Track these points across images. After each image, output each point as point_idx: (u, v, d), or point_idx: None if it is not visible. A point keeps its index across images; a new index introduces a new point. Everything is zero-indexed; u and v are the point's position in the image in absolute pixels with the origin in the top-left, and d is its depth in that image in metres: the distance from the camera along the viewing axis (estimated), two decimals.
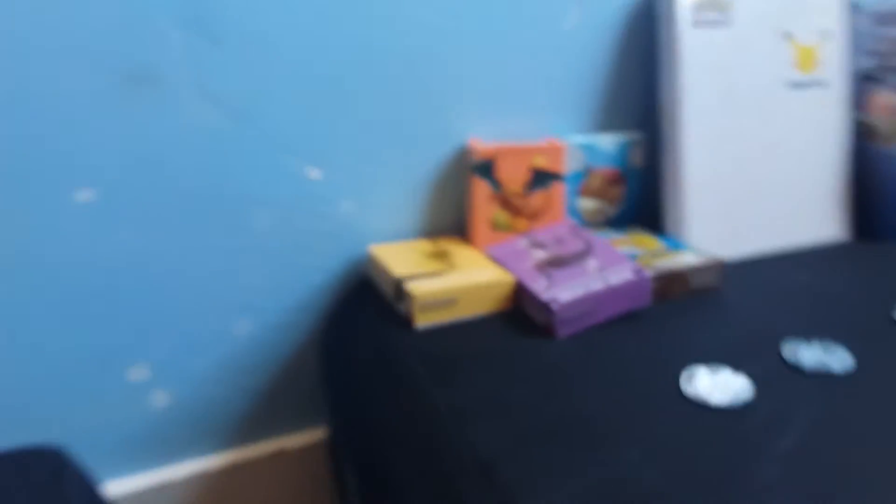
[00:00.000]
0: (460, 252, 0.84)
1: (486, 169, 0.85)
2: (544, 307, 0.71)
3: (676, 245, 0.84)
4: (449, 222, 0.92)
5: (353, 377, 0.74)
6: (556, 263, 0.77)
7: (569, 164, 0.91)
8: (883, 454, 0.51)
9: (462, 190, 0.91)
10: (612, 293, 0.72)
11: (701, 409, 0.57)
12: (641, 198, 0.95)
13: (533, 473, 0.51)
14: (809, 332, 0.68)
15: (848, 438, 0.53)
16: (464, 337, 0.71)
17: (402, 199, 0.89)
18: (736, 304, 0.76)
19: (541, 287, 0.73)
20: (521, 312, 0.75)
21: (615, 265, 0.75)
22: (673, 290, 0.77)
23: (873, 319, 0.71)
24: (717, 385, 0.60)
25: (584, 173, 0.92)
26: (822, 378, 0.61)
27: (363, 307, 0.83)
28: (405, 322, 0.74)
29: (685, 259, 0.79)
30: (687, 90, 0.86)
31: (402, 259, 0.82)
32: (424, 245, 0.87)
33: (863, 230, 0.95)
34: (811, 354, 0.64)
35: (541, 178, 0.87)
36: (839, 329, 0.69)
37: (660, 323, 0.72)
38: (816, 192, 0.94)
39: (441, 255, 0.83)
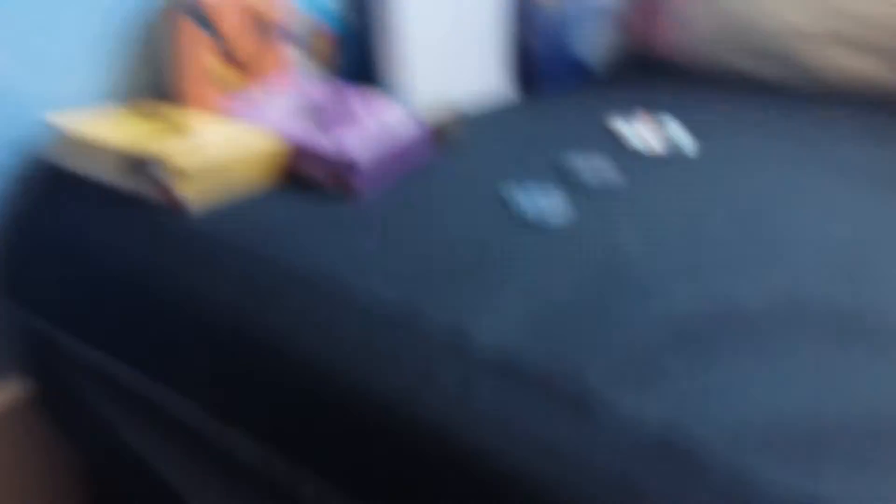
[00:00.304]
0: (187, 116, 0.67)
1: (201, 13, 0.68)
2: (343, 166, 0.62)
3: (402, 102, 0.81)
4: (145, 83, 0.72)
5: (125, 295, 0.55)
6: (328, 121, 0.68)
7: (293, 22, 0.79)
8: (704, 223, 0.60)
9: (163, 40, 0.71)
10: (404, 145, 0.68)
11: (540, 229, 0.58)
12: (355, 59, 0.88)
13: (454, 307, 0.47)
14: (569, 153, 0.74)
15: (668, 219, 0.61)
16: (259, 212, 0.59)
17: (82, 53, 0.66)
18: (486, 147, 0.78)
19: (331, 146, 0.63)
20: (297, 179, 0.64)
21: (393, 118, 0.70)
22: (435, 141, 0.75)
23: (597, 138, 0.80)
24: (539, 204, 0.61)
25: (308, 34, 0.81)
26: (608, 186, 0.67)
27: (70, 204, 0.61)
28: (159, 210, 0.57)
29: (433, 113, 0.77)
30: None
31: (114, 129, 0.62)
32: (128, 112, 0.67)
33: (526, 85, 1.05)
34: (589, 167, 0.70)
35: (267, 30, 0.74)
36: (586, 149, 0.76)
37: (444, 169, 0.70)
38: (493, 50, 1.00)
39: (167, 121, 0.65)
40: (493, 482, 0.38)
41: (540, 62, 1.03)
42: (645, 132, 0.81)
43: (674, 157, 0.76)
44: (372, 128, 0.67)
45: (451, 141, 0.77)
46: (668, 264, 0.53)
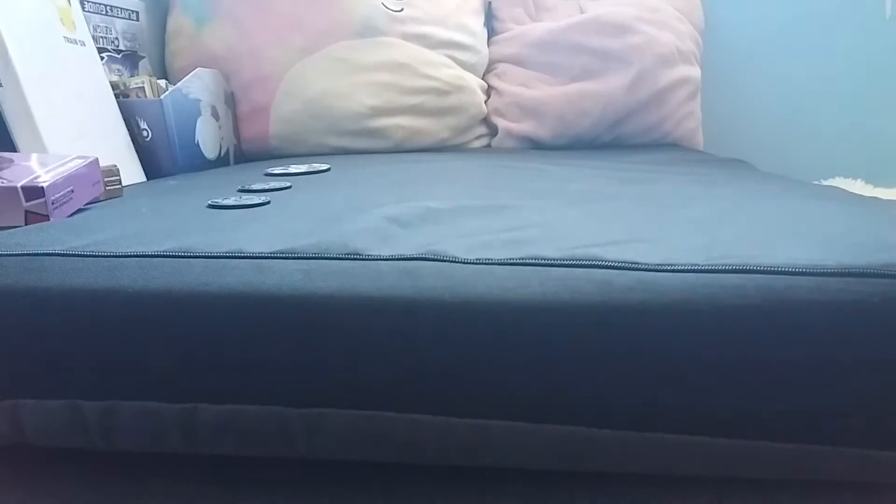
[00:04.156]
0: None
1: None
2: (30, 191, 0.62)
3: None
4: None
5: None
6: None
7: None
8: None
9: None
10: (83, 175, 0.69)
11: (255, 208, 0.66)
12: None
13: (225, 244, 0.52)
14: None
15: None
16: None
17: None
18: (157, 195, 0.82)
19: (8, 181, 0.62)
20: None
21: (52, 160, 0.70)
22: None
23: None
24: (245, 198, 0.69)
25: None
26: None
27: None
28: None
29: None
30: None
31: None
32: None
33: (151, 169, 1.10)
34: (265, 185, 0.80)
35: None
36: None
37: (124, 203, 0.73)
38: (118, 141, 1.04)
39: None
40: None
41: (156, 149, 1.10)
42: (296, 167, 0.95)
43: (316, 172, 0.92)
44: (34, 166, 0.67)
45: (112, 191, 0.80)
46: (369, 202, 0.66)
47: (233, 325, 0.47)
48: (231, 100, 1.31)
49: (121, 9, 1.24)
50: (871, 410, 0.45)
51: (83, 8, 1.11)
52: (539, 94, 1.37)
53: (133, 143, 1.08)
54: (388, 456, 0.48)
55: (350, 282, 0.47)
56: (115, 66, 1.21)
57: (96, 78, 1.04)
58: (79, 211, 0.68)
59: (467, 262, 0.48)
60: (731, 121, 1.59)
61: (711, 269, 0.46)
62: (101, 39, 1.17)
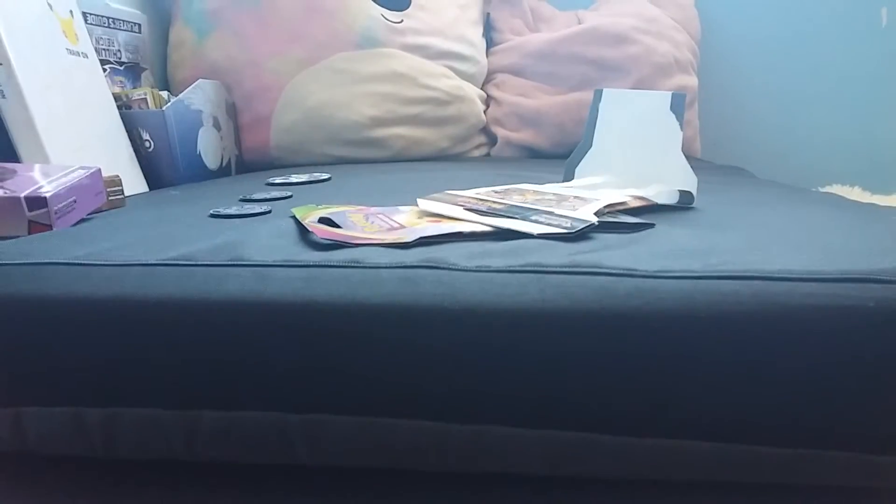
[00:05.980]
0: None
1: None
2: (33, 201, 0.62)
3: None
4: None
5: None
6: None
7: None
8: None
9: None
10: (86, 186, 0.69)
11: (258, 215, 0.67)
12: None
13: (229, 250, 0.53)
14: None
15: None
16: None
17: None
18: (161, 203, 0.83)
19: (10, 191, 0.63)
20: None
21: (55, 171, 0.71)
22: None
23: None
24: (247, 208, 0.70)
25: None
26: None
27: None
28: None
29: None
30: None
31: None
32: None
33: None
34: (265, 195, 0.80)
35: None
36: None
37: (126, 213, 0.73)
38: (120, 151, 1.05)
39: None
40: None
41: (158, 159, 1.11)
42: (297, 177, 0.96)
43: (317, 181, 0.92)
44: (38, 177, 0.68)
45: (115, 201, 0.80)
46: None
47: (234, 333, 0.47)
48: (232, 110, 1.32)
49: (123, 21, 1.25)
50: (867, 415, 0.46)
51: (86, 20, 1.12)
52: (538, 103, 1.38)
53: (135, 154, 1.09)
54: (389, 462, 0.49)
55: (350, 289, 0.47)
56: (118, 78, 1.22)
57: (99, 89, 1.05)
58: (82, 221, 0.69)
59: (467, 270, 0.49)
60: (728, 129, 1.60)
61: (709, 276, 0.46)
62: (103, 51, 1.18)
